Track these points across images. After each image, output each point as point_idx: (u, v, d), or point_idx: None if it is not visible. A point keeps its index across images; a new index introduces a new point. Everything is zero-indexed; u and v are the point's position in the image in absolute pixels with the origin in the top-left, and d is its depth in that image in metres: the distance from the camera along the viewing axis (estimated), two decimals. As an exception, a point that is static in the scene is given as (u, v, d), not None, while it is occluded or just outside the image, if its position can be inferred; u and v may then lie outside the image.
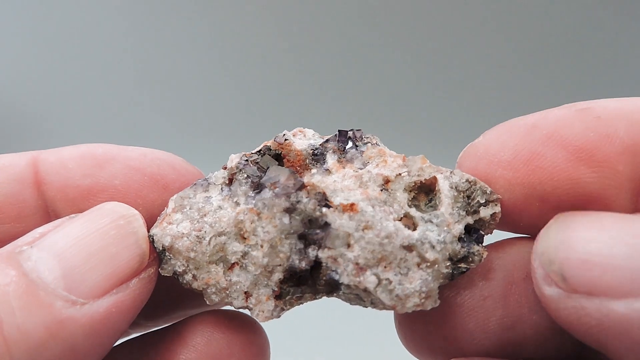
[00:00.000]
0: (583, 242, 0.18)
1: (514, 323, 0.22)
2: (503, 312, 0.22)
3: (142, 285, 0.21)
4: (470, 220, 0.22)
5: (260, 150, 0.23)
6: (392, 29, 0.86)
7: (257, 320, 0.22)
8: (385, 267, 0.21)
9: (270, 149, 0.23)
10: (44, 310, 0.18)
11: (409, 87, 0.88)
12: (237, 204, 0.22)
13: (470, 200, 0.22)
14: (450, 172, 0.22)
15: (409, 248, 0.21)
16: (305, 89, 0.88)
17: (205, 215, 0.22)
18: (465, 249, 0.21)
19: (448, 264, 0.21)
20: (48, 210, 0.23)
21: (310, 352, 0.59)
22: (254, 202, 0.21)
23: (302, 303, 0.22)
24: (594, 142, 0.20)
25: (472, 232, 0.22)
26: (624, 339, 0.17)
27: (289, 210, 0.21)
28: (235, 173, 0.22)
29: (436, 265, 0.21)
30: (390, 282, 0.21)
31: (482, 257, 0.21)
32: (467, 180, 0.22)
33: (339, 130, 0.23)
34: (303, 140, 0.23)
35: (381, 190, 0.22)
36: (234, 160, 0.23)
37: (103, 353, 0.20)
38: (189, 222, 0.22)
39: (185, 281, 0.22)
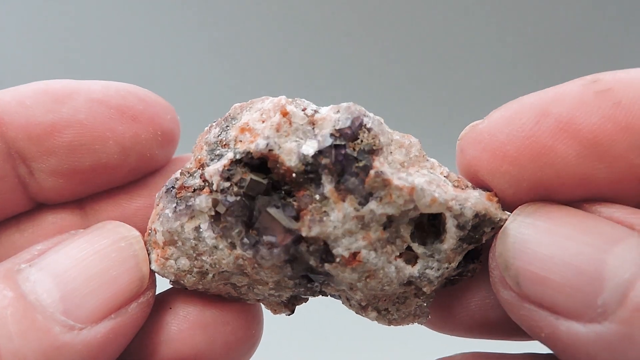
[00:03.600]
0: (536, 248, 0.18)
1: (496, 304, 0.22)
2: (486, 292, 0.22)
3: (141, 309, 0.20)
4: (471, 247, 0.21)
5: (241, 159, 0.20)
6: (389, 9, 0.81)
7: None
8: (385, 300, 0.21)
9: (253, 158, 0.20)
10: (42, 335, 0.18)
11: (408, 63, 0.83)
12: (233, 245, 0.20)
13: (476, 234, 0.20)
14: (461, 209, 0.20)
15: (408, 284, 0.21)
16: (302, 67, 0.82)
17: (201, 254, 0.21)
18: (461, 269, 0.21)
19: (444, 282, 0.21)
20: (10, 152, 0.22)
21: (309, 351, 0.60)
22: (251, 252, 0.20)
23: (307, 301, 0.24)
24: (611, 135, 0.18)
25: (471, 251, 0.21)
26: (571, 356, 0.17)
27: (290, 261, 0.20)
28: (222, 206, 0.20)
29: (432, 293, 0.21)
30: (389, 312, 0.21)
31: (475, 272, 0.21)
32: (477, 215, 0.20)
33: (334, 145, 0.19)
34: (290, 140, 0.20)
35: (384, 229, 0.20)
36: (213, 176, 0.20)
37: None
38: (186, 259, 0.21)
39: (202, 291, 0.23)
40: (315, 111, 0.20)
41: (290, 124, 0.20)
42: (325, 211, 0.19)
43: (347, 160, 0.19)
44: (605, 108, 0.18)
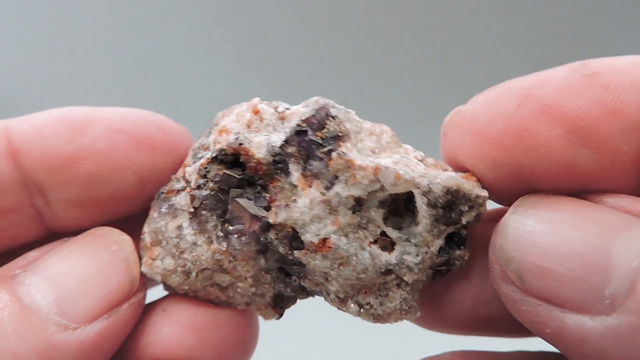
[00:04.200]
0: (539, 240, 0.17)
1: (489, 300, 0.21)
2: (480, 289, 0.22)
3: (132, 310, 0.21)
4: (452, 229, 0.20)
5: (217, 157, 0.21)
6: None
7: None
8: (365, 292, 0.20)
9: (227, 154, 0.21)
10: (37, 335, 0.18)
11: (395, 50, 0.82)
12: (210, 240, 0.21)
13: (452, 212, 0.19)
14: (429, 185, 0.19)
15: (387, 272, 0.20)
16: (296, 60, 0.82)
17: (183, 252, 0.21)
18: (445, 256, 0.20)
19: (429, 272, 0.20)
20: (27, 183, 0.22)
21: (307, 350, 0.60)
22: (224, 244, 0.20)
23: (295, 303, 0.23)
24: (597, 119, 0.17)
25: (454, 236, 0.20)
26: (578, 352, 0.16)
27: (262, 251, 0.20)
28: (197, 200, 0.21)
29: (416, 283, 0.20)
30: (372, 306, 0.20)
31: (463, 260, 0.20)
32: (448, 192, 0.19)
33: (296, 131, 0.20)
34: (260, 135, 0.20)
35: (354, 212, 0.19)
36: (192, 175, 0.21)
37: None
38: (171, 258, 0.22)
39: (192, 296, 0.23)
40: (287, 109, 0.21)
41: (261, 120, 0.21)
42: (293, 198, 0.20)
43: (311, 147, 0.19)
44: (592, 91, 0.17)
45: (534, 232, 0.17)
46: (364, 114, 0.21)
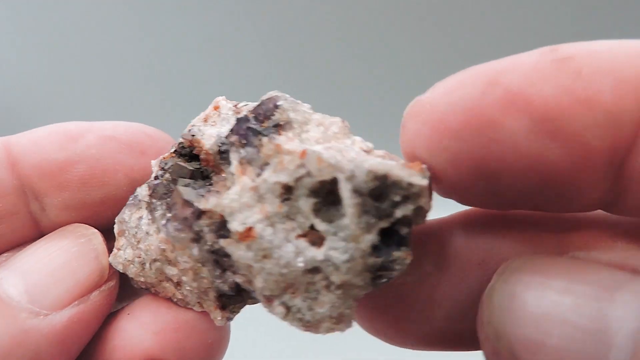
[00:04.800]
0: (528, 309, 0.15)
1: (463, 315, 0.20)
2: (452, 303, 0.20)
3: (103, 297, 0.22)
4: (385, 224, 0.17)
5: (176, 149, 0.21)
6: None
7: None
8: (293, 293, 0.18)
9: (185, 147, 0.21)
10: (9, 321, 0.19)
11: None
12: (158, 229, 0.21)
13: (381, 203, 0.17)
14: (353, 170, 0.17)
15: (314, 270, 0.18)
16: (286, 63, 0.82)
17: (139, 242, 0.22)
18: (382, 258, 0.18)
19: (365, 275, 0.18)
20: (24, 189, 0.23)
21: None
22: (165, 231, 0.21)
23: (244, 306, 0.22)
24: (566, 109, 0.15)
25: (393, 235, 0.18)
26: None
27: (196, 240, 0.20)
28: (151, 189, 0.21)
29: (347, 286, 0.18)
30: (299, 310, 0.19)
31: (404, 263, 0.18)
32: (374, 178, 0.17)
33: (237, 119, 0.19)
34: (214, 128, 0.21)
35: (282, 201, 0.18)
36: (154, 167, 0.22)
37: None
38: (131, 249, 0.22)
39: (152, 293, 0.23)
40: (246, 105, 0.21)
41: (219, 115, 0.21)
42: (228, 186, 0.19)
43: (248, 134, 0.19)
44: (562, 78, 0.15)
45: (522, 300, 0.15)
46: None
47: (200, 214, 0.19)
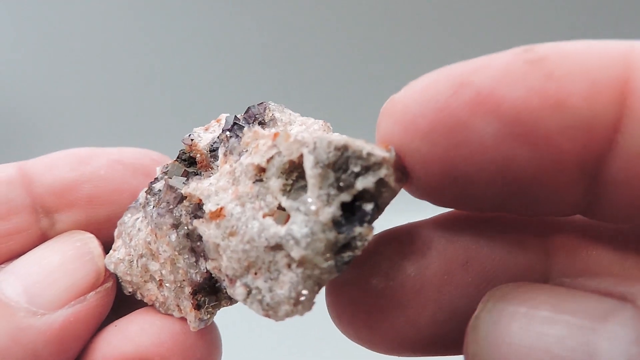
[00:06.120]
0: (513, 340, 0.14)
1: (447, 318, 0.19)
2: (436, 307, 0.19)
3: (99, 298, 0.22)
4: (346, 197, 0.17)
5: (179, 156, 0.23)
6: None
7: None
8: (255, 273, 0.18)
9: (185, 153, 0.22)
10: (8, 319, 0.20)
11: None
12: (148, 222, 0.22)
13: (341, 173, 0.17)
14: (315, 142, 0.17)
15: (276, 247, 0.18)
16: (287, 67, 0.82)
17: (131, 239, 0.23)
18: (344, 234, 0.17)
19: (328, 255, 0.17)
20: (35, 207, 0.24)
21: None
22: (149, 220, 0.22)
23: (219, 309, 0.22)
24: (537, 112, 0.15)
25: (355, 211, 0.17)
26: None
27: (175, 226, 0.21)
28: (148, 189, 0.23)
29: (307, 264, 0.17)
30: (260, 291, 0.18)
31: (364, 240, 0.17)
32: (335, 148, 0.17)
33: (226, 118, 0.21)
34: (212, 134, 0.22)
35: (254, 182, 0.19)
36: (158, 173, 0.23)
37: None
38: (124, 248, 0.23)
39: (139, 299, 0.23)
40: None
41: (219, 125, 0.23)
42: (210, 174, 0.21)
43: (235, 128, 0.20)
44: (533, 80, 0.15)
45: (507, 333, 0.15)
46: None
47: (182, 199, 0.21)
